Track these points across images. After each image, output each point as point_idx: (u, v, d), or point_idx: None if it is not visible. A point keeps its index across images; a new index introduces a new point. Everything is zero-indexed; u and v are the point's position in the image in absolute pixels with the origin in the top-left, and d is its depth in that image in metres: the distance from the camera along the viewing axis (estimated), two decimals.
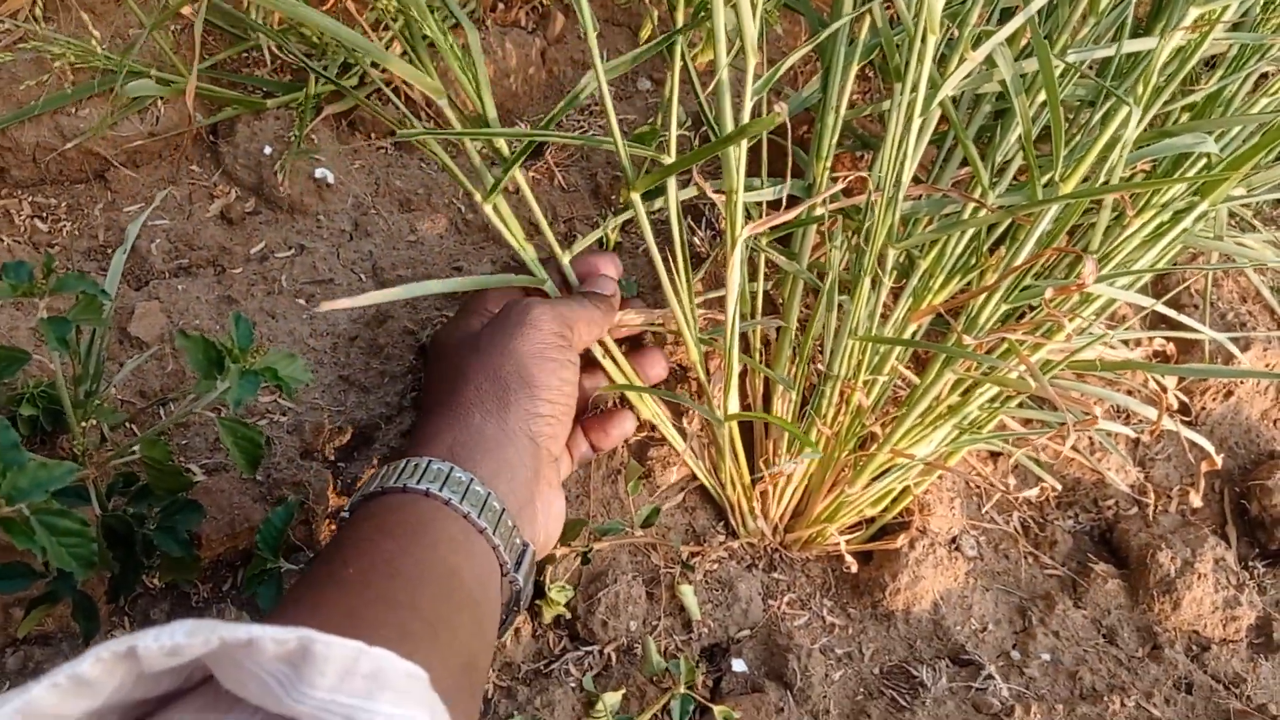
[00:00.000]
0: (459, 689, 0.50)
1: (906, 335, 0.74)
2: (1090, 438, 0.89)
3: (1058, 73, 0.62)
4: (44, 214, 0.84)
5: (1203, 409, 0.92)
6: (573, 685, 0.74)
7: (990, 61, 0.63)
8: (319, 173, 0.87)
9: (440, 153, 0.68)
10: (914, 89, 0.58)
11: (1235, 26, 0.69)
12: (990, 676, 0.77)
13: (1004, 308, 0.67)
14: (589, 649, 0.77)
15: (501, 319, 0.67)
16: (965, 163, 0.72)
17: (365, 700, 0.36)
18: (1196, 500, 0.86)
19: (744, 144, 0.62)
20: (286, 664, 0.36)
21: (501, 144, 0.68)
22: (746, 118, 0.60)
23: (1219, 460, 0.78)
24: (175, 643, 0.35)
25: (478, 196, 0.69)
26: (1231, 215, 0.91)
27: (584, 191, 0.94)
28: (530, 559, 0.63)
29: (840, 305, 0.71)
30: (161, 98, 0.85)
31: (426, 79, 0.62)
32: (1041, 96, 0.62)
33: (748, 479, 0.81)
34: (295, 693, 0.36)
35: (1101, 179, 0.62)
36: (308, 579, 0.52)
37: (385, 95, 0.97)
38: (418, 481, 0.57)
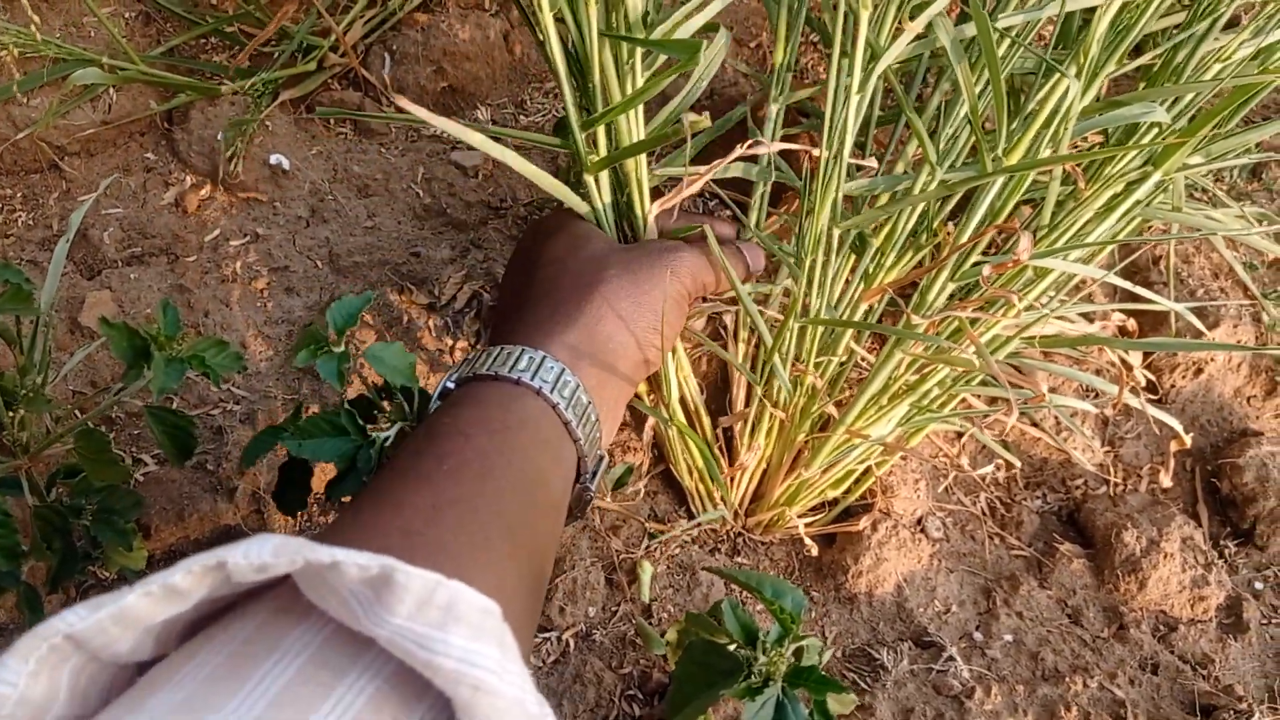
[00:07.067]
0: (531, 597, 0.51)
1: (859, 315, 0.72)
2: (1056, 417, 0.87)
3: (1003, 48, 0.61)
4: None
5: (1172, 386, 0.90)
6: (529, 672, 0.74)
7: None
8: (274, 159, 0.86)
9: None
10: (847, 59, 0.57)
11: None
12: (951, 658, 0.77)
13: (951, 286, 0.66)
14: (546, 635, 0.76)
15: (653, 253, 0.67)
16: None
17: (439, 631, 0.37)
18: (1166, 480, 0.85)
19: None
20: (368, 587, 0.37)
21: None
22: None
23: (1188, 439, 0.77)
24: (264, 561, 0.36)
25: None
26: (1203, 190, 0.90)
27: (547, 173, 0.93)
28: (604, 468, 0.65)
29: (786, 289, 0.70)
30: (113, 86, 0.85)
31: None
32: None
33: (707, 471, 0.80)
34: (374, 616, 0.37)
35: (1049, 152, 0.61)
36: (396, 467, 0.52)
37: (344, 80, 0.96)
38: (532, 377, 0.58)
